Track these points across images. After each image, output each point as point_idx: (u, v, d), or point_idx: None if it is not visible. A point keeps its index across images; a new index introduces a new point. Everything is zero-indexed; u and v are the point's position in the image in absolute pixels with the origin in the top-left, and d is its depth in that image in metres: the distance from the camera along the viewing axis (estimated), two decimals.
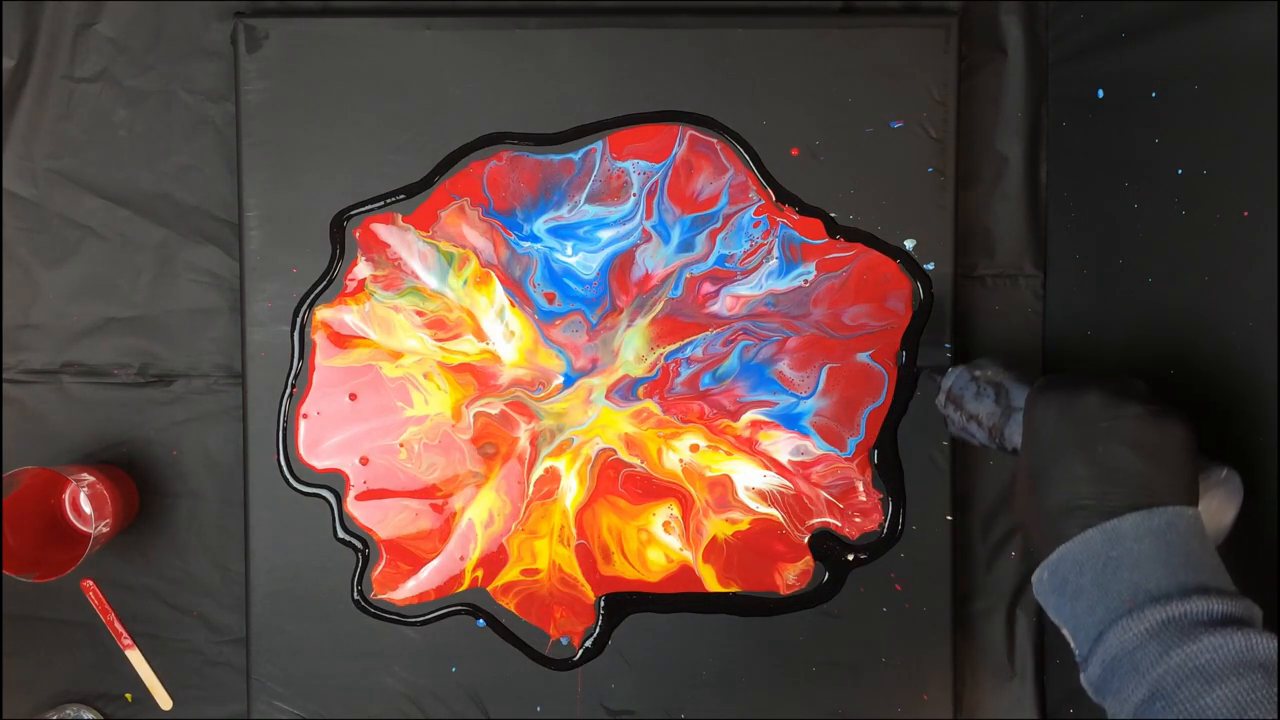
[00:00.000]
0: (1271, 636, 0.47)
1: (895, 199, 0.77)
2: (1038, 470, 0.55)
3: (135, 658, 0.80)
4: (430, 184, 0.77)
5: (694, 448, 0.78)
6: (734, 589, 0.78)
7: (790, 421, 0.78)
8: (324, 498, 0.77)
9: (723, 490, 0.78)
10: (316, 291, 0.77)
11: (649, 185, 0.77)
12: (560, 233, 0.77)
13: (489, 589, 0.78)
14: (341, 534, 0.77)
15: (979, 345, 0.81)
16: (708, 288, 0.77)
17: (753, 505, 0.78)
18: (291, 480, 0.77)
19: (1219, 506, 0.57)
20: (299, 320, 0.76)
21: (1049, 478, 0.54)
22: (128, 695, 0.80)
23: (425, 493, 0.77)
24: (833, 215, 0.77)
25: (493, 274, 0.77)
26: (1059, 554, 0.53)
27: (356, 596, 0.78)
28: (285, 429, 0.77)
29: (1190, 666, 0.47)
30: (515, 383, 0.77)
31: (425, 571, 0.77)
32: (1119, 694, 0.49)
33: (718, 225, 0.77)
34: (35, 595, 0.78)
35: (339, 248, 0.77)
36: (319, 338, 0.77)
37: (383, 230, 0.77)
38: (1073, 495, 0.53)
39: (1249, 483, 0.58)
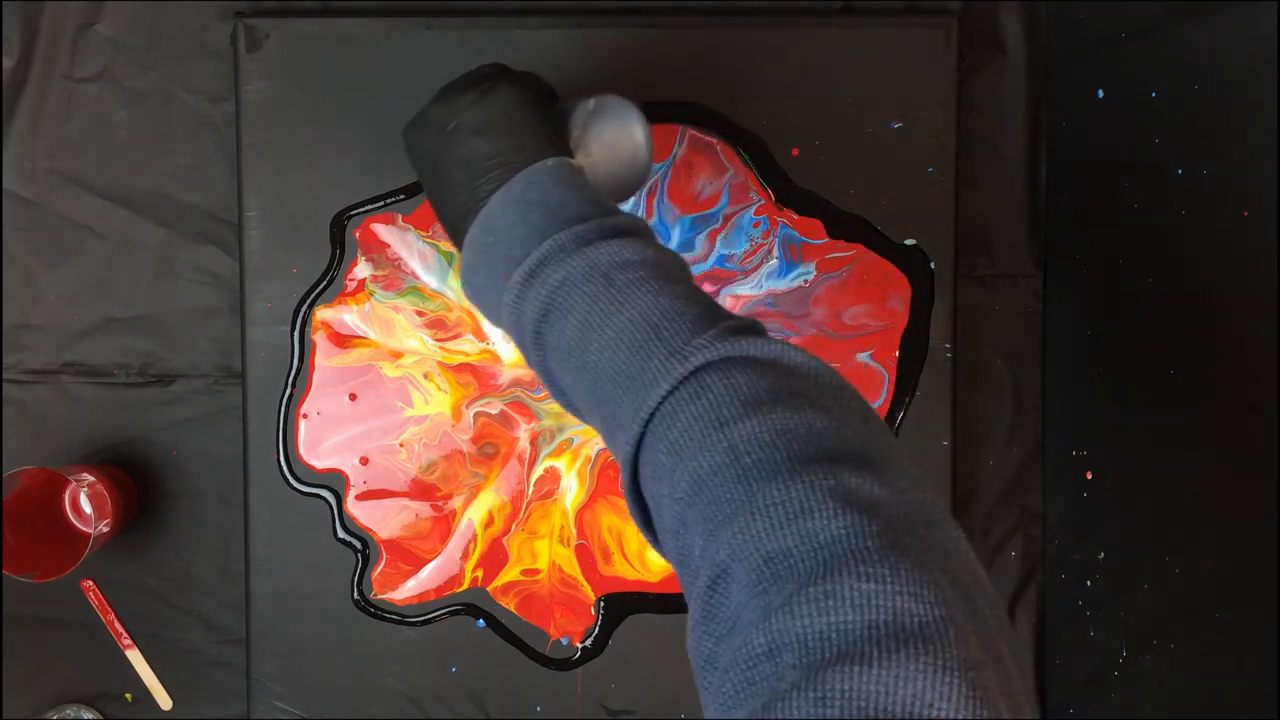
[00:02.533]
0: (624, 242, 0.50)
1: (895, 199, 0.77)
2: (432, 198, 0.58)
3: (135, 658, 0.80)
4: None
5: None
6: None
7: None
8: (324, 498, 0.77)
9: None
10: (316, 292, 0.77)
11: (649, 185, 0.77)
12: None
13: (489, 589, 0.78)
14: (341, 534, 0.77)
15: (979, 345, 0.81)
16: (708, 288, 0.77)
17: None
18: (291, 480, 0.77)
19: (610, 135, 0.60)
20: (298, 320, 0.76)
21: (439, 200, 0.57)
22: (128, 695, 0.80)
23: (425, 493, 0.77)
24: (832, 215, 0.77)
25: None
26: (463, 263, 0.55)
27: (356, 596, 0.78)
28: (285, 429, 0.77)
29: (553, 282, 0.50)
30: (515, 382, 0.77)
31: (425, 571, 0.77)
32: (528, 338, 0.51)
33: (718, 225, 0.77)
34: (35, 595, 0.78)
35: (339, 248, 0.77)
36: (319, 338, 0.77)
37: (383, 230, 0.77)
38: (457, 205, 0.55)
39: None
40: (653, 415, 0.45)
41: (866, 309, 0.77)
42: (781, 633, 0.35)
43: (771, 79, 0.77)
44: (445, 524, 0.77)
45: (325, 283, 0.77)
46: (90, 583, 0.80)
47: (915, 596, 0.35)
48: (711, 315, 0.47)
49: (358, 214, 0.77)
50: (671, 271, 0.50)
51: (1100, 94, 0.73)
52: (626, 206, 0.76)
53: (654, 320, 0.47)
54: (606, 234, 0.51)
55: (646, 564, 0.78)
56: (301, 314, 0.76)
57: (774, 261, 0.77)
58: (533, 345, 0.51)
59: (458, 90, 0.57)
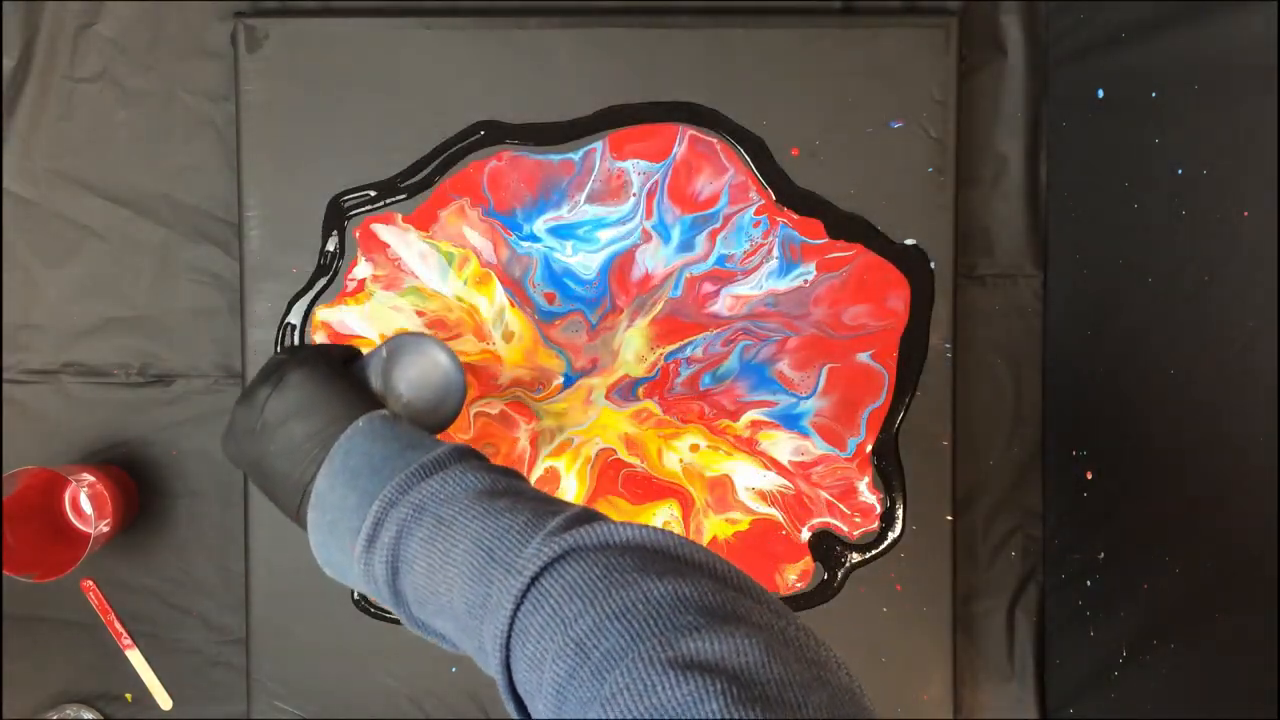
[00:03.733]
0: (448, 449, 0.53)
1: (895, 199, 0.77)
2: (269, 497, 0.59)
3: (135, 658, 0.80)
4: (430, 184, 0.77)
5: (694, 448, 0.78)
6: None
7: (790, 421, 0.78)
8: None
9: (723, 490, 0.78)
10: (316, 290, 0.77)
11: (649, 185, 0.77)
12: (560, 233, 0.77)
13: None
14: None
15: (979, 345, 0.81)
16: (708, 288, 0.77)
17: (753, 505, 0.78)
18: None
19: (413, 371, 0.62)
20: (284, 319, 0.76)
21: (274, 497, 0.58)
22: (128, 695, 0.80)
23: None
24: (832, 216, 0.77)
25: (493, 274, 0.77)
26: (313, 547, 0.55)
27: (357, 597, 0.78)
28: None
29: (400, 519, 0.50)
30: (515, 383, 0.77)
31: None
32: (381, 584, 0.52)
33: (718, 225, 0.77)
34: (35, 595, 0.78)
35: (338, 238, 0.76)
36: (319, 338, 0.77)
37: (383, 230, 0.77)
38: (289, 495, 0.56)
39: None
40: (509, 637, 0.45)
41: (866, 309, 0.77)
42: None
43: (771, 79, 0.77)
44: None
45: (318, 273, 0.76)
46: (90, 583, 0.80)
47: None
48: (539, 519, 0.47)
49: (353, 199, 0.77)
50: (495, 488, 0.51)
51: (1100, 94, 0.73)
52: (626, 207, 0.76)
53: (486, 544, 0.47)
54: (428, 472, 0.51)
55: None
56: (290, 313, 0.76)
57: (774, 261, 0.77)
58: (394, 603, 0.52)
59: (253, 390, 0.58)
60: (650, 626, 0.40)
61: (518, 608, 0.45)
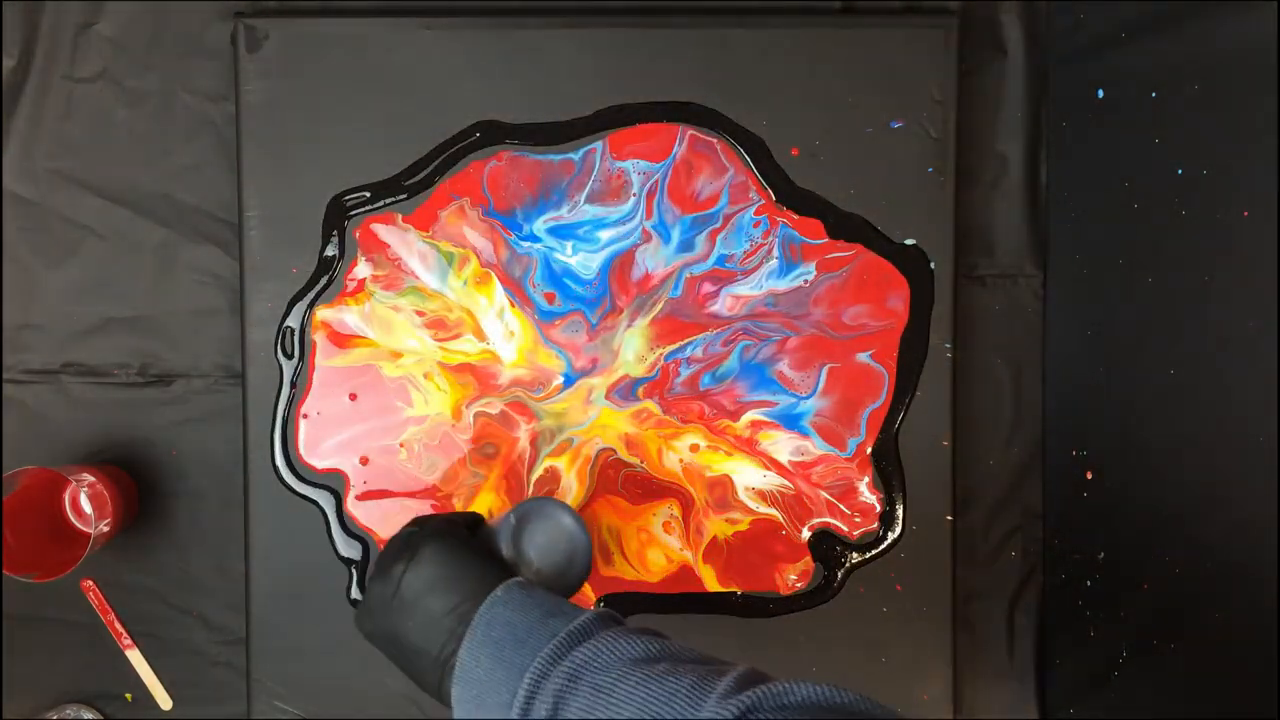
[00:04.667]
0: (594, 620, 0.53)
1: (895, 199, 0.77)
2: (405, 671, 0.59)
3: (135, 658, 0.80)
4: (430, 184, 0.77)
5: (694, 448, 0.78)
6: (734, 589, 0.78)
7: (790, 421, 0.78)
8: (319, 505, 0.77)
9: (723, 490, 0.78)
10: (316, 290, 0.77)
11: (649, 185, 0.77)
12: (560, 233, 0.77)
13: None
14: (340, 550, 0.77)
15: (979, 345, 0.81)
16: (708, 288, 0.77)
17: (753, 505, 0.78)
18: (291, 480, 0.77)
19: (541, 537, 0.64)
20: (283, 322, 0.76)
21: (412, 672, 0.58)
22: (128, 695, 0.80)
23: (425, 493, 0.77)
24: (832, 215, 0.77)
25: (493, 274, 0.77)
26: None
27: (356, 596, 0.78)
28: (285, 429, 0.77)
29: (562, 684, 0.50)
30: (515, 383, 0.77)
31: None
32: None
33: (718, 225, 0.77)
34: (35, 595, 0.78)
35: (338, 238, 0.77)
36: (319, 338, 0.77)
37: (383, 230, 0.77)
38: (429, 671, 0.56)
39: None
40: None
41: (866, 309, 0.77)
42: None
43: (771, 79, 0.77)
44: None
45: (317, 273, 0.76)
46: (90, 583, 0.80)
47: None
48: (706, 681, 0.48)
49: (353, 198, 0.77)
50: (650, 652, 0.51)
51: (1100, 94, 0.73)
52: (626, 207, 0.76)
53: (654, 709, 0.47)
54: (576, 641, 0.52)
55: (647, 564, 0.78)
56: (288, 315, 0.76)
57: (774, 261, 0.77)
58: None
59: (388, 565, 0.59)
60: None
61: None
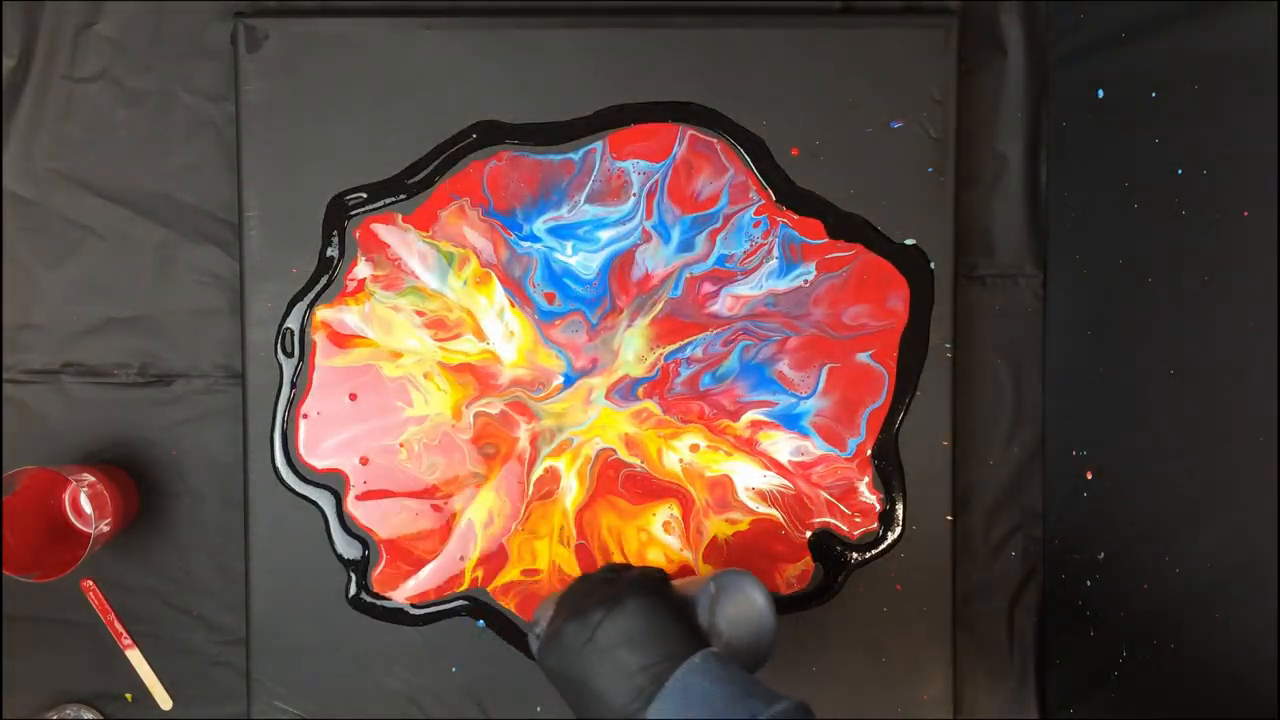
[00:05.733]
0: None
1: (895, 199, 0.77)
2: (580, 714, 0.59)
3: (135, 658, 0.80)
4: (430, 184, 0.77)
5: (694, 448, 0.78)
6: None
7: (790, 422, 0.78)
8: (318, 505, 0.77)
9: (723, 490, 0.78)
10: (316, 290, 0.77)
11: (649, 185, 0.77)
12: (560, 233, 0.77)
13: (489, 589, 0.78)
14: (339, 550, 0.77)
15: (979, 345, 0.81)
16: (708, 288, 0.77)
17: (753, 505, 0.78)
18: (291, 480, 0.77)
19: (733, 610, 0.62)
20: (283, 322, 0.76)
21: (587, 712, 0.58)
22: (128, 695, 0.80)
23: (425, 493, 0.77)
24: (832, 216, 0.77)
25: (493, 274, 0.77)
26: None
27: (356, 596, 0.78)
28: (285, 429, 0.77)
29: None
30: (515, 383, 0.77)
31: (425, 571, 0.77)
32: None
33: (718, 225, 0.77)
34: (35, 595, 0.78)
35: (338, 238, 0.76)
36: (319, 338, 0.77)
37: (383, 230, 0.77)
38: (612, 715, 0.56)
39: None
40: None
41: (866, 309, 0.77)
42: None
43: (771, 79, 0.77)
44: (445, 524, 0.77)
45: (316, 273, 0.76)
46: (90, 583, 0.80)
47: None
48: None
49: (353, 198, 0.77)
50: None
51: (1100, 94, 0.73)
52: (626, 207, 0.76)
53: None
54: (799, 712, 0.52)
55: (647, 564, 0.78)
56: (289, 316, 0.76)
57: (774, 261, 0.77)
58: None
59: (587, 609, 0.59)
60: None
61: None
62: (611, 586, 0.60)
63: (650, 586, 0.61)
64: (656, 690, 0.55)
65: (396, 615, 0.78)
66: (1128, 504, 0.71)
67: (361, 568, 0.77)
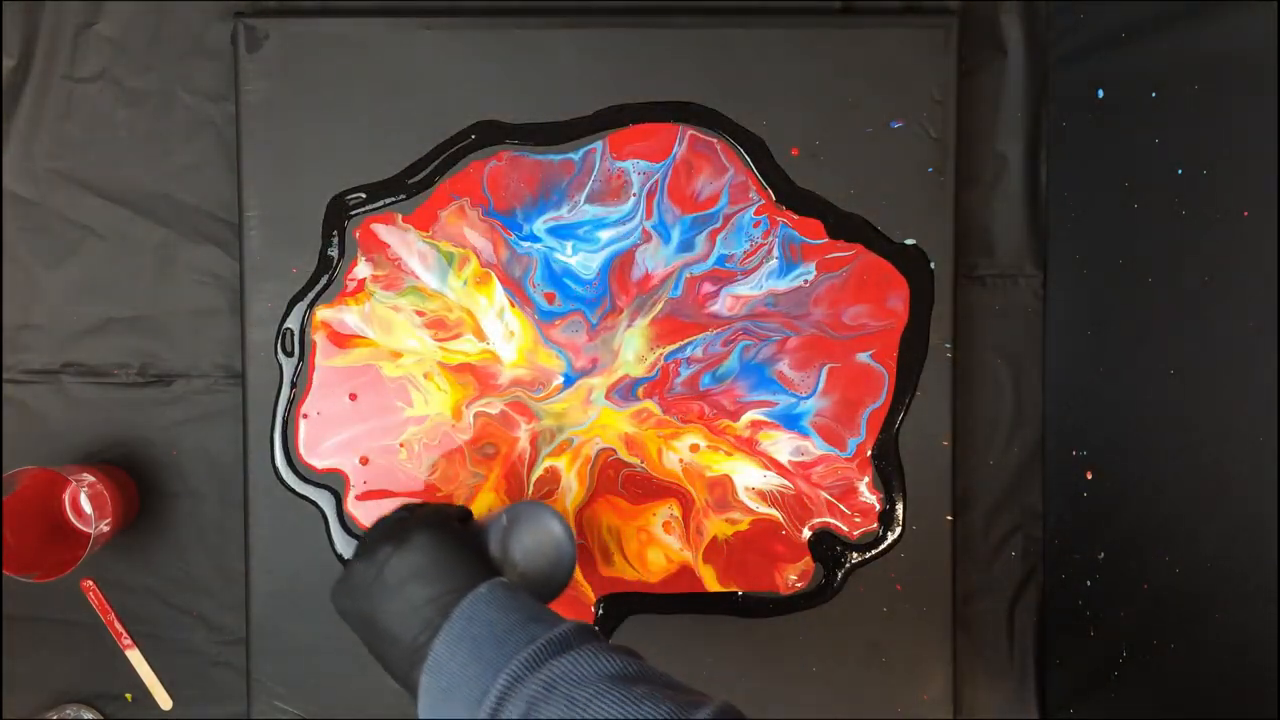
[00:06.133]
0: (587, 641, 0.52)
1: (895, 199, 0.77)
2: (374, 653, 0.59)
3: (135, 658, 0.80)
4: (430, 184, 0.77)
5: (694, 448, 0.78)
6: (734, 589, 0.78)
7: (790, 422, 0.78)
8: (318, 505, 0.77)
9: (723, 490, 0.78)
10: (316, 290, 0.77)
11: (649, 185, 0.77)
12: (560, 233, 0.77)
13: None
14: (339, 550, 0.77)
15: (979, 345, 0.81)
16: (708, 288, 0.77)
17: (753, 505, 0.78)
18: (291, 480, 0.77)
19: (530, 540, 0.64)
20: (283, 322, 0.76)
21: (382, 655, 0.58)
22: (128, 695, 0.80)
23: (425, 493, 0.77)
24: (832, 216, 0.77)
25: (493, 274, 0.77)
26: (421, 711, 0.55)
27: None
28: (285, 429, 0.77)
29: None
30: (515, 383, 0.77)
31: None
32: None
33: (718, 225, 0.77)
34: (35, 595, 0.78)
35: (338, 238, 0.76)
36: (319, 338, 0.77)
37: (383, 230, 0.77)
38: (401, 658, 0.56)
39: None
40: None
41: (866, 309, 0.77)
42: None
43: (771, 79, 0.77)
44: None
45: (317, 273, 0.76)
46: (90, 583, 0.80)
47: None
48: (682, 712, 0.47)
49: (353, 198, 0.77)
50: (628, 672, 0.50)
51: (1100, 94, 0.73)
52: (626, 207, 0.76)
53: None
54: (556, 650, 0.51)
55: (647, 564, 0.78)
56: (289, 316, 0.76)
57: (774, 261, 0.77)
58: None
59: (374, 547, 0.58)
60: None
61: None
62: (401, 524, 0.59)
63: (438, 521, 0.60)
64: (443, 622, 0.54)
65: None
66: (1128, 504, 0.71)
67: None
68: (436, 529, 0.59)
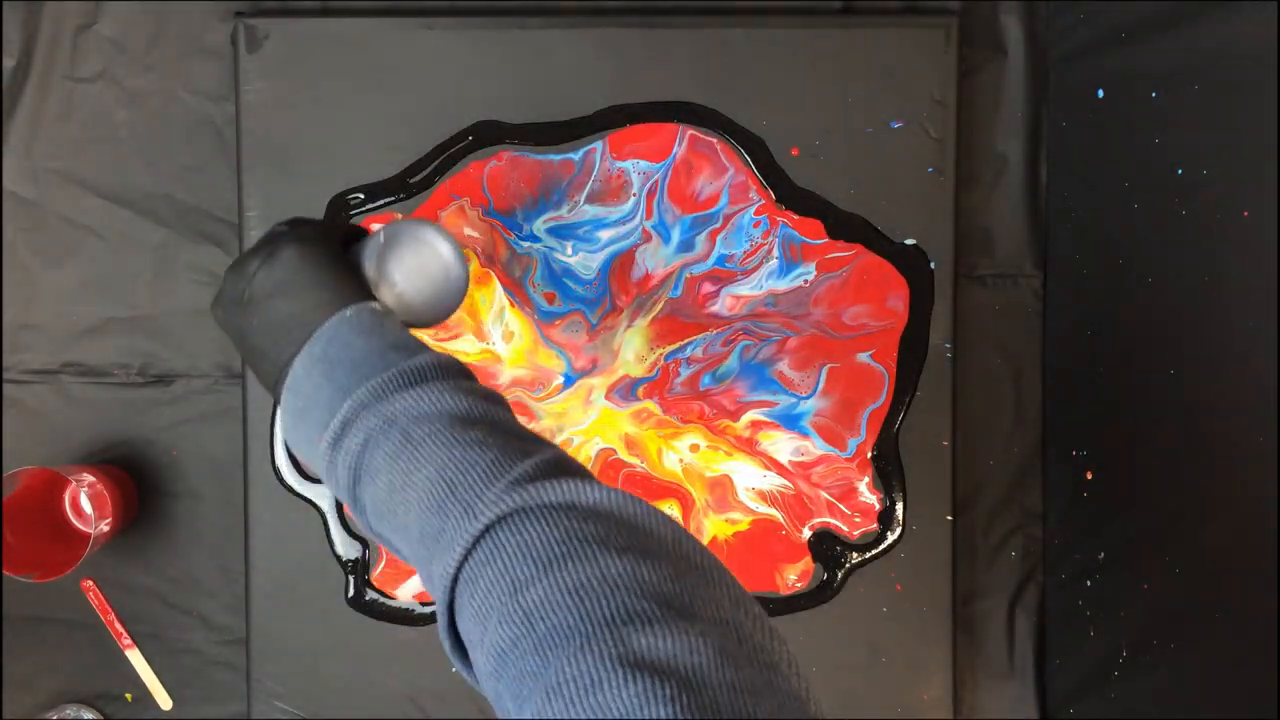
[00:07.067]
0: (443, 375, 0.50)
1: (895, 199, 0.77)
2: (250, 368, 0.57)
3: (135, 658, 0.80)
4: (430, 184, 0.77)
5: (694, 448, 0.78)
6: None
7: (790, 422, 0.78)
8: (318, 505, 0.77)
9: (723, 490, 0.78)
10: None
11: (649, 185, 0.77)
12: (560, 233, 0.77)
13: None
14: (339, 551, 0.77)
15: (979, 345, 0.81)
16: (708, 288, 0.77)
17: (753, 505, 0.78)
18: (291, 481, 0.77)
19: (411, 259, 0.58)
20: None
21: (255, 370, 0.56)
22: (128, 695, 0.80)
23: None
24: (832, 216, 0.77)
25: (492, 274, 0.77)
26: (282, 429, 0.53)
27: (356, 597, 0.78)
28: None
29: (367, 429, 0.48)
30: (515, 383, 0.77)
31: None
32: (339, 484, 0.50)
33: (718, 225, 0.77)
34: (35, 595, 0.78)
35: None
36: None
37: None
38: (267, 373, 0.54)
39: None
40: (455, 580, 0.43)
41: (866, 309, 0.77)
42: None
43: (771, 79, 0.77)
44: None
45: None
46: (90, 583, 0.80)
47: None
48: (507, 460, 0.45)
49: (353, 201, 0.77)
50: (472, 414, 0.48)
51: (1100, 94, 0.73)
52: (626, 207, 0.76)
53: (449, 476, 0.45)
54: (406, 382, 0.49)
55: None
56: None
57: (774, 261, 0.77)
58: (354, 508, 0.50)
59: (245, 260, 0.56)
60: (602, 609, 0.39)
61: (468, 554, 0.43)
62: (274, 238, 0.56)
63: (312, 236, 0.56)
64: (305, 339, 0.52)
65: (396, 615, 0.78)
66: (1128, 504, 0.71)
67: (361, 568, 0.77)
68: (308, 245, 0.55)
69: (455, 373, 0.51)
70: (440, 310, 0.59)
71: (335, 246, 0.57)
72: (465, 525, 0.43)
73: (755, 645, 0.40)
